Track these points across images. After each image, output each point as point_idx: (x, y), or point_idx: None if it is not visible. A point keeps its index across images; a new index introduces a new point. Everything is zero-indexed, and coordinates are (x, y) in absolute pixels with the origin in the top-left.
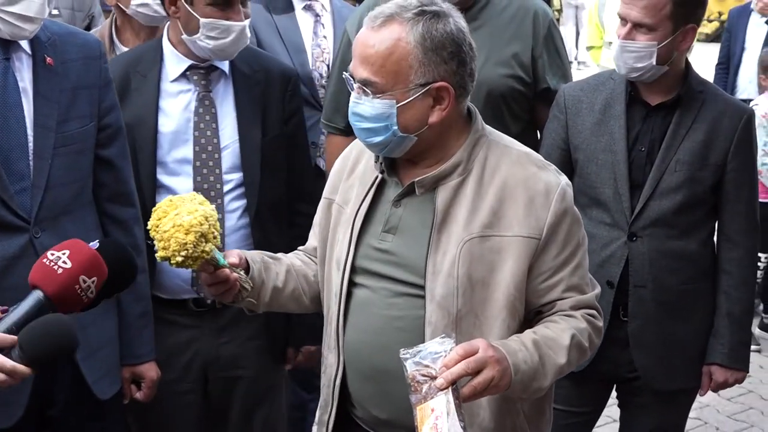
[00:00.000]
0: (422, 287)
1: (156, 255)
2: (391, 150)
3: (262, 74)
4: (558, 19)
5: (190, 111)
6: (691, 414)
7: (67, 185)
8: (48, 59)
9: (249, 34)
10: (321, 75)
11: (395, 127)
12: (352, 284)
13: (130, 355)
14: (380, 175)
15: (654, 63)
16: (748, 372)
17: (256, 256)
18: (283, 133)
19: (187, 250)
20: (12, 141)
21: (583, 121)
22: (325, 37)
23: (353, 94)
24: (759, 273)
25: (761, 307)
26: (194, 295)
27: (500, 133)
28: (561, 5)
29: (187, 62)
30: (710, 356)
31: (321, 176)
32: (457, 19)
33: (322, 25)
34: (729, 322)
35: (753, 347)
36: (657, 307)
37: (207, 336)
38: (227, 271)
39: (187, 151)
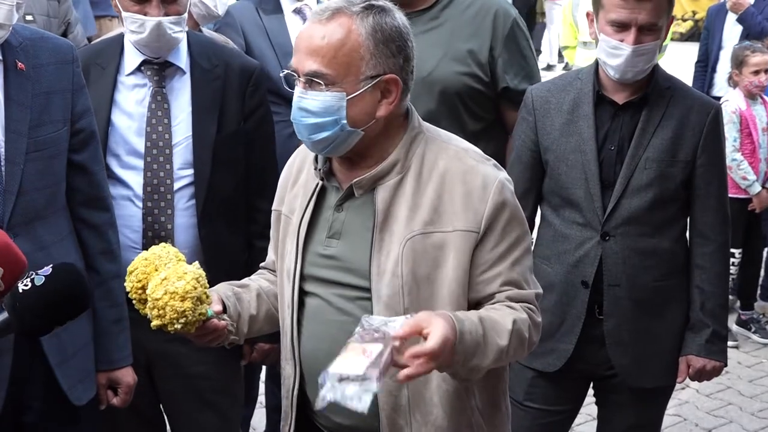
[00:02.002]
0: (368, 289)
1: (151, 324)
2: (335, 147)
3: (221, 69)
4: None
5: (145, 106)
6: (670, 411)
7: (40, 190)
8: (19, 64)
9: (173, 30)
10: None
11: (344, 121)
12: (303, 293)
13: (106, 361)
14: (320, 182)
15: (655, 61)
16: (725, 364)
17: (227, 290)
18: (242, 129)
19: (186, 317)
20: None
21: (552, 122)
22: None
23: (298, 89)
24: (734, 269)
25: (738, 303)
26: None
27: (439, 129)
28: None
29: (141, 57)
30: (686, 348)
31: None
32: (402, 15)
33: None
34: (704, 315)
35: (731, 343)
36: (632, 305)
37: (151, 331)
38: (215, 321)
39: (139, 145)
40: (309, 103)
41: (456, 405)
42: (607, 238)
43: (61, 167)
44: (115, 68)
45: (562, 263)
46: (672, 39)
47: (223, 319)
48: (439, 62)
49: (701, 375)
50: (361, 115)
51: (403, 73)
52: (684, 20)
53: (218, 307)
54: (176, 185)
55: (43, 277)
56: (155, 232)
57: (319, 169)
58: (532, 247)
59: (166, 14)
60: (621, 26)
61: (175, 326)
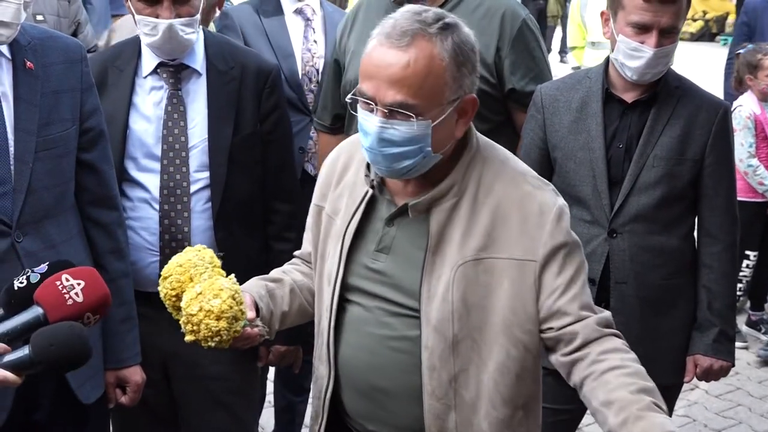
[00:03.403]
0: (416, 309)
1: (185, 338)
2: (415, 172)
3: (237, 70)
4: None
5: (161, 109)
6: (680, 411)
7: (49, 189)
8: (28, 63)
9: (185, 32)
10: (310, 79)
11: (428, 149)
12: (344, 300)
13: (114, 360)
14: (370, 190)
15: (672, 63)
16: (733, 364)
17: (260, 289)
18: (259, 130)
19: (220, 336)
20: None
21: (561, 120)
22: (315, 41)
23: (376, 119)
24: (747, 271)
25: (748, 304)
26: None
27: (497, 147)
28: (559, 10)
29: (157, 59)
30: (693, 348)
31: (309, 180)
32: (466, 27)
33: (313, 29)
34: (711, 315)
35: (741, 344)
36: (639, 303)
37: (167, 330)
38: (248, 329)
39: (155, 148)
40: (393, 134)
41: None
42: (615, 235)
43: (70, 166)
44: (133, 71)
45: None
46: (682, 39)
47: (256, 326)
48: None
49: (708, 375)
50: (443, 139)
51: (474, 88)
52: (694, 20)
53: (251, 314)
54: (193, 188)
55: (39, 275)
56: (172, 235)
57: (372, 179)
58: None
59: (178, 16)
60: (642, 28)
61: (209, 343)
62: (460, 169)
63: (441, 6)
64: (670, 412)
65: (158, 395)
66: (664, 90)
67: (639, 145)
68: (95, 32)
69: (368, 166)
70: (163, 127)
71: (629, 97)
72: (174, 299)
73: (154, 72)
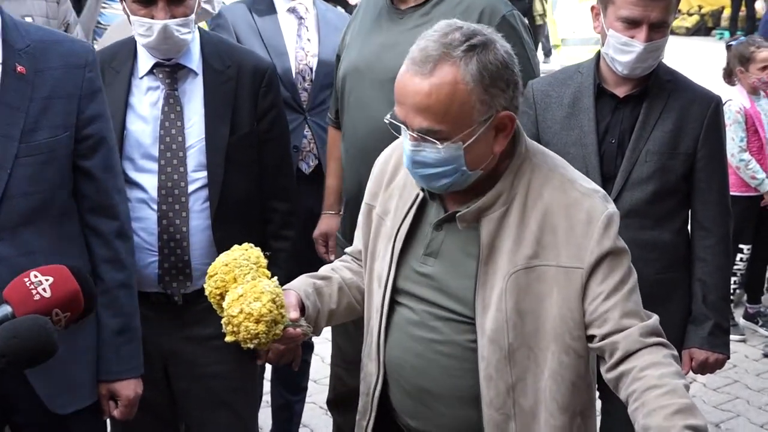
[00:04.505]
0: (466, 316)
1: (225, 338)
2: (458, 186)
3: (234, 70)
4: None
5: (158, 109)
6: None
7: (28, 196)
8: (19, 68)
9: (180, 32)
10: (304, 78)
11: (464, 168)
12: (394, 301)
13: (105, 371)
14: (421, 193)
15: (662, 57)
16: (728, 356)
17: (308, 287)
18: (256, 129)
19: (259, 339)
20: None
21: (553, 115)
22: (308, 39)
23: (409, 142)
24: (741, 265)
25: (745, 297)
26: (159, 290)
27: (547, 152)
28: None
29: (153, 59)
30: (688, 341)
31: (304, 179)
32: (503, 42)
33: (306, 27)
34: (706, 308)
35: (738, 337)
36: None
37: (166, 330)
38: (291, 330)
39: (153, 148)
40: (426, 156)
41: None
42: None
43: (58, 174)
44: (129, 71)
45: None
46: (678, 34)
47: (300, 326)
48: None
49: (704, 368)
50: (479, 157)
51: (513, 102)
52: (690, 14)
53: (294, 315)
54: (190, 188)
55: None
56: (170, 235)
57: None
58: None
59: (173, 16)
60: (632, 23)
61: (248, 345)
62: (507, 178)
63: (424, 3)
64: None
65: (159, 395)
66: (656, 84)
67: (631, 140)
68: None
69: None
70: (160, 128)
71: (621, 91)
72: (218, 298)
73: (150, 72)
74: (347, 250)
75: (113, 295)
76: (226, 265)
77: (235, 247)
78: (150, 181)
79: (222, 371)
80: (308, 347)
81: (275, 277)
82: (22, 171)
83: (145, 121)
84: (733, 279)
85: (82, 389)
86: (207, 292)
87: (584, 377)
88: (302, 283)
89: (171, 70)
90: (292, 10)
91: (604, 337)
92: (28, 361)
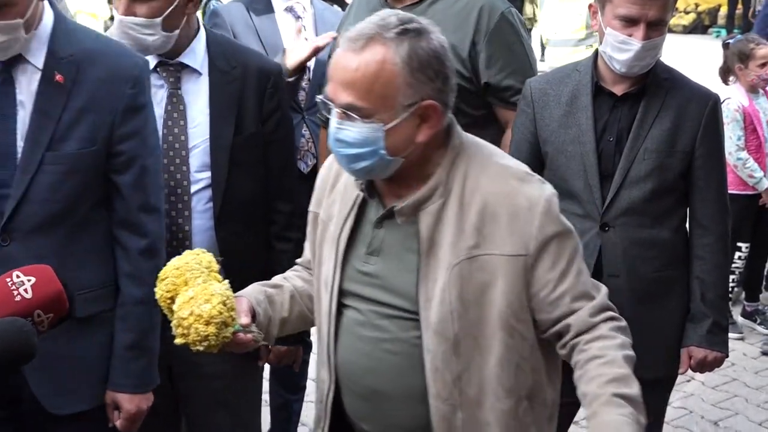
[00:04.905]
0: (412, 312)
1: (175, 340)
2: (377, 174)
3: (239, 70)
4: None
5: (162, 107)
6: (676, 403)
7: (46, 203)
8: (58, 76)
9: (138, 32)
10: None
11: (383, 151)
12: (341, 305)
13: (111, 381)
14: (361, 194)
15: (660, 55)
16: (727, 354)
17: (259, 295)
18: (260, 131)
19: (208, 341)
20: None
21: (551, 113)
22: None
23: (334, 120)
24: (740, 263)
25: (743, 295)
26: None
27: (481, 142)
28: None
29: (156, 58)
30: (687, 339)
31: (302, 178)
32: (438, 35)
33: (304, 27)
34: (704, 306)
35: (736, 335)
36: (632, 296)
37: (170, 329)
38: (241, 335)
39: None
40: (346, 135)
41: (511, 423)
42: (607, 228)
43: (78, 185)
44: None
45: None
46: (675, 32)
47: (251, 332)
48: None
49: (703, 366)
50: (400, 143)
51: (442, 95)
52: (687, 13)
53: (246, 320)
54: (194, 188)
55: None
56: (173, 234)
57: (362, 184)
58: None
59: (133, 14)
60: (630, 21)
61: (198, 347)
62: (443, 170)
63: (420, 2)
64: (665, 404)
65: (161, 395)
66: (654, 82)
67: (629, 138)
68: None
69: None
70: (163, 126)
71: (619, 89)
72: (169, 301)
73: (154, 71)
74: (298, 260)
75: (128, 310)
76: (177, 268)
77: (187, 252)
78: None
79: (224, 371)
80: (307, 346)
81: (226, 281)
82: (44, 178)
83: None
84: (731, 277)
85: (81, 392)
86: (157, 296)
87: (528, 359)
88: (253, 290)
89: (174, 69)
90: (290, 9)
91: (556, 322)
92: (7, 364)
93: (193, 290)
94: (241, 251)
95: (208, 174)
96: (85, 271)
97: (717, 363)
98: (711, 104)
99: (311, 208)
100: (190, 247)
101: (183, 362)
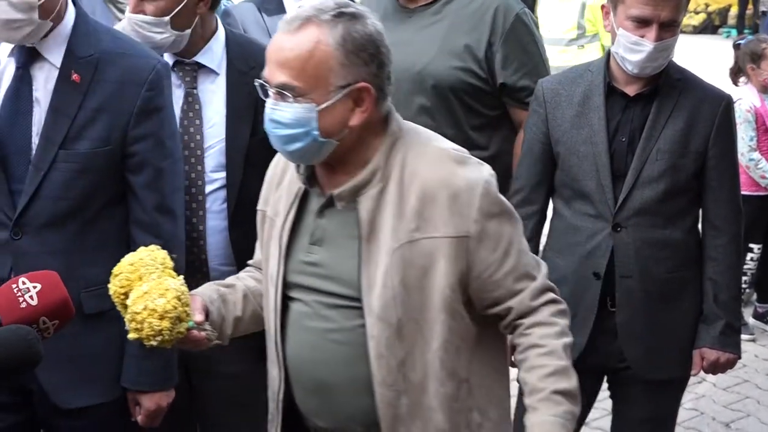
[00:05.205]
0: (355, 299)
1: (128, 335)
2: (310, 156)
3: (258, 71)
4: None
5: (178, 107)
6: (688, 404)
7: (58, 200)
8: (74, 75)
9: (146, 29)
10: None
11: (316, 132)
12: (288, 298)
13: (127, 380)
14: (302, 186)
15: (672, 55)
16: (739, 356)
17: (212, 294)
18: None
19: (162, 336)
20: (14, 145)
21: (563, 114)
22: None
23: (269, 101)
24: (752, 264)
25: (755, 296)
26: None
27: (421, 129)
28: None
29: (173, 57)
30: (699, 341)
31: None
32: (374, 21)
33: None
34: (717, 307)
35: (747, 336)
36: (644, 296)
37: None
38: (195, 332)
39: None
40: (280, 115)
41: (454, 406)
42: (619, 229)
43: (91, 184)
44: None
45: (573, 255)
46: (684, 32)
47: (204, 329)
48: (434, 57)
49: (715, 367)
50: (333, 125)
51: (376, 80)
52: (697, 13)
53: (200, 318)
54: (208, 188)
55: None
56: (187, 234)
57: (302, 174)
58: (522, 228)
59: (142, 12)
60: (642, 22)
61: (151, 342)
62: (381, 155)
63: (435, 1)
64: (678, 405)
65: (178, 394)
66: (667, 82)
67: (642, 138)
68: None
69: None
70: (179, 126)
71: (631, 90)
72: (122, 297)
73: (171, 70)
74: (250, 262)
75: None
76: (132, 264)
77: (141, 248)
78: None
79: (240, 372)
80: None
81: (181, 277)
82: (57, 175)
83: None
84: (743, 278)
85: (89, 387)
86: (111, 292)
87: (468, 341)
88: (206, 289)
89: (190, 69)
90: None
91: (497, 302)
92: (10, 371)
93: (148, 285)
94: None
95: (223, 174)
96: (96, 268)
97: (729, 364)
98: (724, 105)
99: (259, 206)
100: (204, 248)
101: (199, 361)
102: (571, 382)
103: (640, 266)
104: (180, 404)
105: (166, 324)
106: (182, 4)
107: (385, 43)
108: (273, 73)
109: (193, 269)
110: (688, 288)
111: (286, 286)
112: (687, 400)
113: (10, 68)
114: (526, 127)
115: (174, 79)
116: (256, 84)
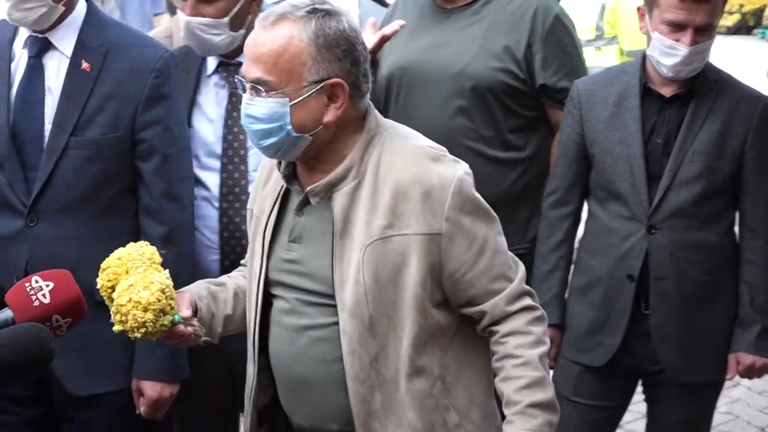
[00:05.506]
0: (330, 296)
1: (113, 328)
2: (285, 152)
3: None
4: None
5: (223, 107)
6: (722, 408)
7: (70, 186)
8: (84, 64)
9: (205, 32)
10: None
11: (289, 127)
12: (271, 296)
13: (136, 368)
14: (284, 184)
15: (708, 58)
16: None
17: (202, 290)
18: None
19: (146, 328)
20: (28, 133)
21: (597, 114)
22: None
23: (245, 96)
24: None
25: None
26: None
27: (401, 127)
28: None
29: (218, 59)
30: (735, 345)
31: None
32: (349, 18)
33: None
34: (753, 311)
35: None
36: (679, 299)
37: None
38: (181, 327)
39: (216, 147)
40: (254, 110)
41: (426, 403)
42: (653, 231)
43: (102, 170)
44: (198, 69)
45: (608, 257)
46: (719, 33)
47: (191, 325)
48: (473, 58)
49: (751, 372)
50: (306, 120)
51: (350, 76)
52: (731, 14)
53: (186, 313)
54: (250, 187)
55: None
56: (230, 233)
57: (282, 172)
58: (500, 227)
59: (200, 15)
60: (677, 27)
61: (135, 335)
62: (357, 151)
63: (474, 2)
64: (713, 409)
65: (223, 396)
66: (703, 84)
67: (677, 140)
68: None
69: (278, 162)
70: (223, 126)
71: (667, 91)
72: (110, 291)
73: (216, 71)
74: (242, 261)
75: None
76: (119, 258)
77: (131, 243)
78: (213, 180)
79: None
80: None
81: (167, 271)
82: (68, 162)
83: (209, 119)
84: None
85: (103, 375)
86: (99, 286)
87: (438, 339)
88: (196, 286)
89: (234, 69)
90: None
91: (471, 302)
92: (23, 370)
93: (133, 278)
94: None
95: None
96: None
97: (766, 369)
98: (762, 107)
99: (248, 205)
100: (245, 246)
101: (245, 362)
102: (546, 393)
103: (675, 268)
104: (225, 409)
105: (149, 316)
106: (239, 5)
107: (360, 41)
108: (248, 68)
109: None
110: (724, 291)
111: (268, 283)
112: (722, 403)
113: (23, 60)
114: (561, 128)
115: (218, 79)
116: (236, 80)
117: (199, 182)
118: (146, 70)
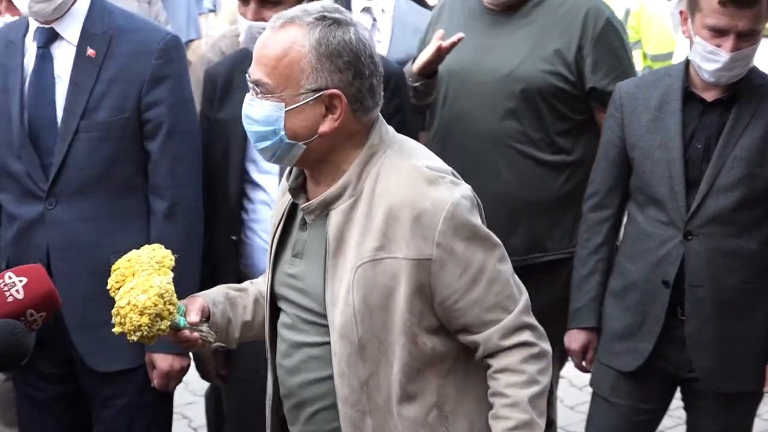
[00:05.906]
0: (323, 315)
1: (113, 329)
2: (279, 158)
3: None
4: None
5: None
6: (766, 416)
7: (84, 169)
8: (90, 51)
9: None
10: None
11: (282, 133)
12: (277, 308)
13: None
14: (291, 198)
15: (752, 63)
16: None
17: (219, 296)
18: None
19: (141, 331)
20: (42, 120)
21: (639, 118)
22: (378, 41)
23: (247, 96)
24: None
25: None
26: None
27: (407, 143)
28: None
29: None
30: None
31: None
32: (361, 30)
33: (378, 29)
34: None
35: None
36: (715, 306)
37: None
38: (186, 332)
39: None
40: (252, 111)
41: (421, 431)
42: (690, 237)
43: (112, 151)
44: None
45: (644, 262)
46: (764, 36)
47: (199, 330)
48: (523, 60)
49: None
50: (300, 128)
51: (351, 89)
52: None
53: (194, 319)
54: None
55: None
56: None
57: (289, 185)
58: (504, 254)
59: (262, 19)
60: (719, 32)
61: (132, 337)
62: (355, 167)
63: (523, 3)
64: (752, 419)
65: (252, 382)
66: (747, 89)
67: (718, 145)
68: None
69: (288, 173)
70: None
71: (710, 95)
72: (117, 291)
73: None
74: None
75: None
76: (129, 260)
77: (145, 246)
78: (271, 183)
79: None
80: None
81: (170, 275)
82: (80, 145)
83: None
84: None
85: (122, 351)
86: (108, 287)
87: (436, 367)
88: (215, 291)
89: None
90: (367, 10)
91: (466, 330)
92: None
93: (135, 281)
94: None
95: None
96: (127, 234)
97: None
98: None
99: (271, 215)
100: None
101: None
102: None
103: (712, 276)
104: (254, 393)
105: (144, 320)
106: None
107: (368, 54)
108: (253, 69)
109: None
110: (764, 299)
111: (275, 296)
112: (763, 411)
113: (33, 51)
114: (603, 131)
115: None
116: (249, 82)
117: (258, 186)
118: (149, 52)
